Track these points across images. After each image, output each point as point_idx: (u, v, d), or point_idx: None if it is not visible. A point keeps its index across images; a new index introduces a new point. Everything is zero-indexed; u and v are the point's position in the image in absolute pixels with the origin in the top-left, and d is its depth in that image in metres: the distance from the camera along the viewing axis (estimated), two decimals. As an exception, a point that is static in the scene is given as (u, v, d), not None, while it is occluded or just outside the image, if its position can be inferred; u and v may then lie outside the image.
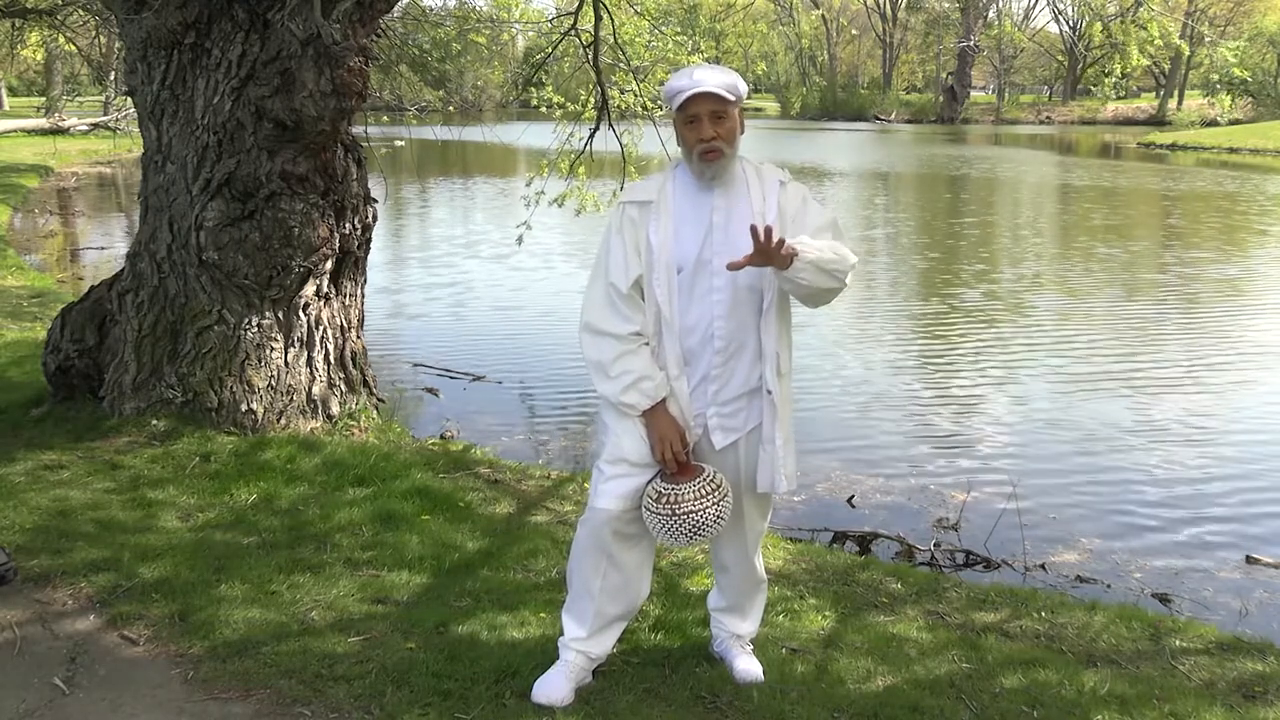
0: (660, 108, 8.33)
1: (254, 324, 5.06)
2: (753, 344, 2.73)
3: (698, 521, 2.66)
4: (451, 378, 7.76)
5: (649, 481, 2.72)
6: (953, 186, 23.98)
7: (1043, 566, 4.78)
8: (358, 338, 5.66)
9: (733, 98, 2.66)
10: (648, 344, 2.71)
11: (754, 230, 2.51)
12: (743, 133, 2.74)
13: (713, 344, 2.71)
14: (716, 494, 2.69)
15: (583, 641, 2.84)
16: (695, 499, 2.66)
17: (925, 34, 68.15)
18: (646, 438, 2.72)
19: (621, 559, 2.78)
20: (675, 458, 2.69)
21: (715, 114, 2.64)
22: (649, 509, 2.70)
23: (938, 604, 3.86)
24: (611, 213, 2.84)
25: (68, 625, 3.17)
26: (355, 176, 5.35)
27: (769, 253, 2.51)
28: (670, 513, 2.65)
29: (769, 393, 2.73)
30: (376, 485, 4.59)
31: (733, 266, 2.57)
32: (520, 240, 8.20)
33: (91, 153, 26.97)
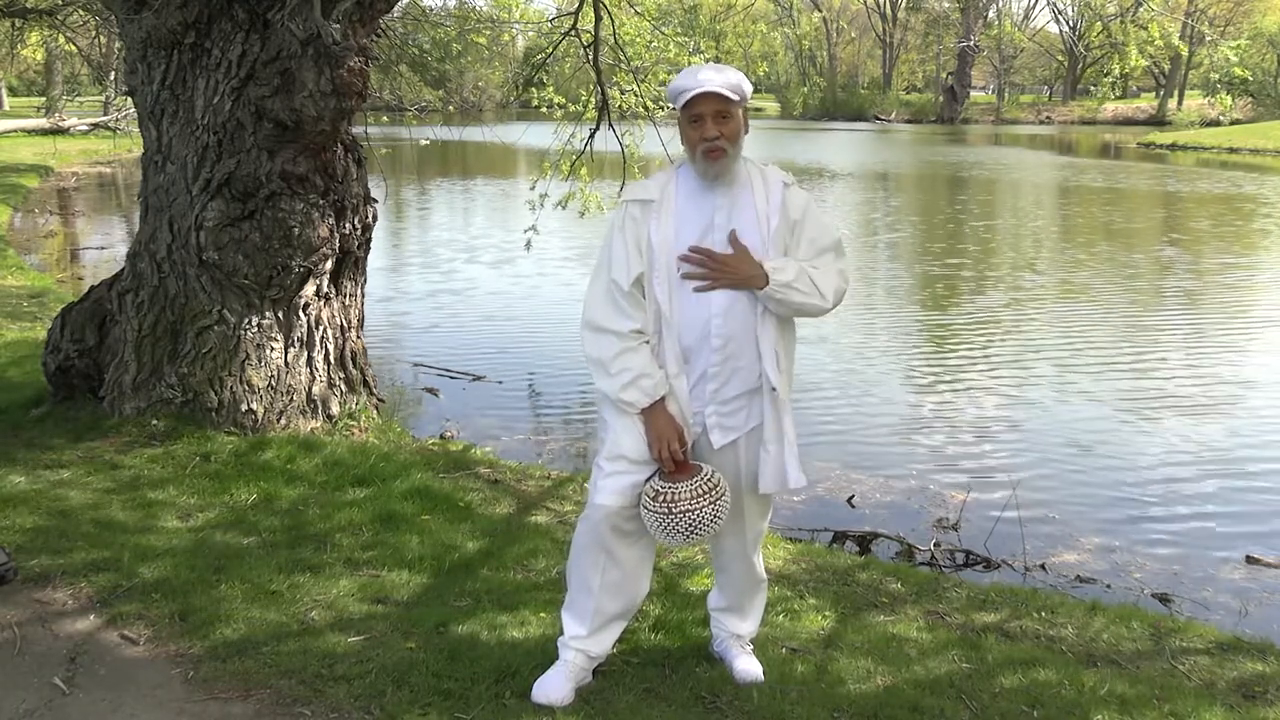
0: (661, 108, 8.34)
1: (254, 324, 5.06)
2: (752, 343, 2.73)
3: (694, 520, 2.66)
4: (451, 378, 7.76)
5: (647, 479, 2.73)
6: (955, 187, 23.99)
7: (1043, 566, 4.78)
8: (358, 337, 5.66)
9: (736, 97, 2.67)
10: (648, 342, 2.72)
11: (733, 237, 2.64)
12: (747, 133, 2.75)
13: (710, 342, 2.72)
14: (714, 493, 2.69)
15: (582, 640, 2.84)
16: (692, 498, 2.66)
17: (925, 34, 68.13)
18: (645, 435, 2.72)
19: (621, 556, 2.79)
20: (673, 456, 2.69)
21: (719, 113, 2.66)
22: (646, 507, 2.70)
23: (938, 604, 3.85)
24: (614, 211, 2.86)
25: (68, 625, 3.17)
26: (355, 176, 5.35)
27: (733, 265, 2.65)
28: (667, 511, 2.66)
29: (773, 390, 2.73)
30: (376, 485, 4.59)
31: (690, 276, 2.67)
32: (529, 245, 8.22)
33: (91, 153, 26.97)
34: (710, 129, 2.65)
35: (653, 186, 2.79)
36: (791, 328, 2.84)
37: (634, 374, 2.68)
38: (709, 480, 2.70)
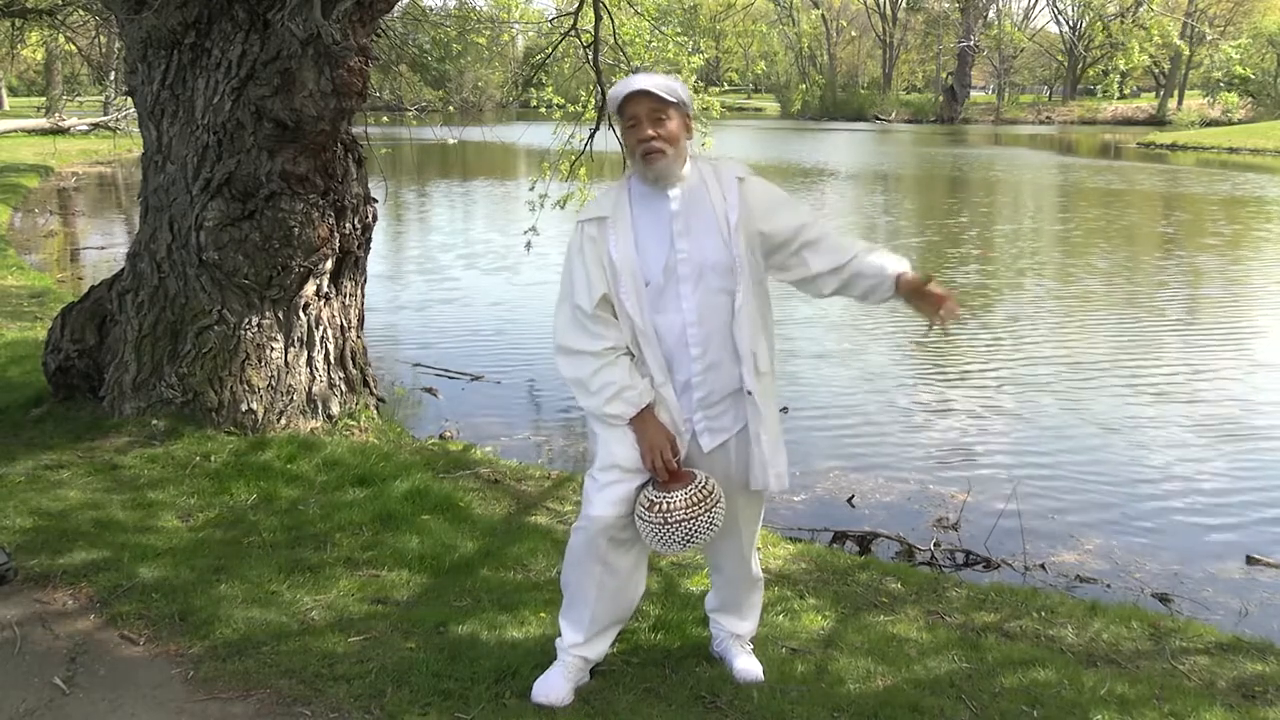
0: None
1: (254, 324, 5.06)
2: (730, 346, 2.72)
3: (690, 529, 2.64)
4: (451, 378, 7.76)
5: (640, 488, 2.71)
6: (960, 189, 23.99)
7: (1043, 566, 4.78)
8: (358, 337, 5.66)
9: (671, 99, 2.64)
10: (626, 354, 2.70)
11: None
12: (690, 138, 2.73)
13: (688, 351, 2.70)
14: (708, 501, 2.67)
15: (580, 647, 2.84)
16: (687, 506, 2.64)
17: (925, 34, 68.14)
18: (637, 444, 2.70)
19: (616, 564, 2.78)
20: (666, 465, 2.67)
21: (654, 114, 2.64)
22: (642, 517, 2.68)
23: (938, 604, 3.85)
24: (571, 233, 2.81)
25: (68, 625, 3.17)
26: (355, 176, 5.35)
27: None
28: (663, 521, 2.64)
29: (749, 393, 2.72)
30: (376, 485, 4.59)
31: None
32: (529, 246, 8.22)
33: (91, 153, 26.97)
34: (645, 130, 2.63)
35: (605, 203, 2.75)
36: (768, 327, 2.81)
37: (616, 387, 2.66)
38: (703, 488, 2.68)
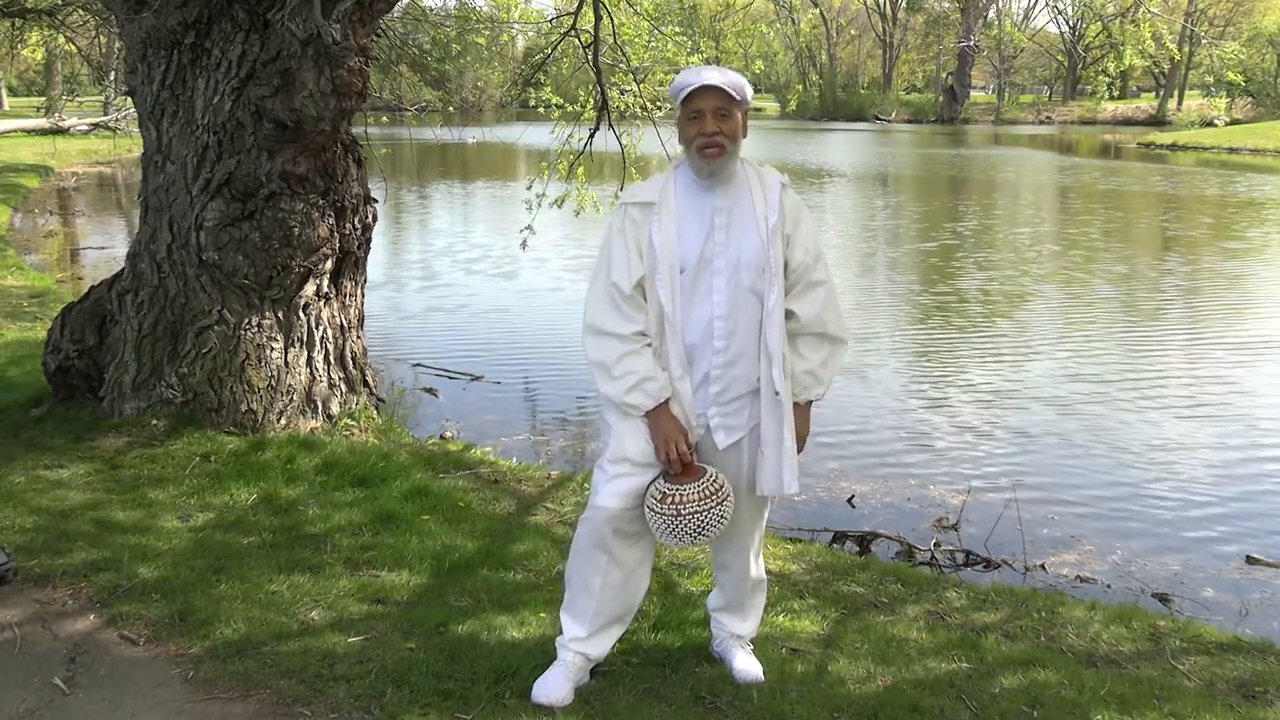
0: (660, 108, 8.34)
1: (254, 324, 5.06)
2: (754, 344, 2.73)
3: (702, 522, 2.67)
4: (450, 378, 7.76)
5: (651, 481, 2.73)
6: (962, 189, 23.98)
7: (1043, 566, 4.78)
8: (358, 337, 5.65)
9: (737, 97, 2.68)
10: (650, 344, 2.72)
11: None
12: (745, 136, 2.76)
13: (712, 344, 2.72)
14: (719, 495, 2.70)
15: (581, 642, 2.85)
16: (699, 499, 2.66)
17: (925, 34, 68.17)
18: (650, 438, 2.72)
19: (622, 557, 2.79)
20: (680, 458, 2.69)
21: (719, 111, 2.67)
22: (653, 509, 2.70)
23: (938, 604, 3.86)
24: (613, 213, 2.85)
25: (68, 625, 3.17)
26: (355, 176, 5.35)
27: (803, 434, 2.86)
28: (675, 513, 2.66)
29: (776, 394, 2.72)
30: (376, 485, 4.59)
31: None
32: (524, 245, 8.23)
33: (91, 153, 26.96)
34: (709, 125, 2.65)
35: (652, 188, 2.78)
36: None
37: (638, 377, 2.68)
38: (714, 482, 2.70)
